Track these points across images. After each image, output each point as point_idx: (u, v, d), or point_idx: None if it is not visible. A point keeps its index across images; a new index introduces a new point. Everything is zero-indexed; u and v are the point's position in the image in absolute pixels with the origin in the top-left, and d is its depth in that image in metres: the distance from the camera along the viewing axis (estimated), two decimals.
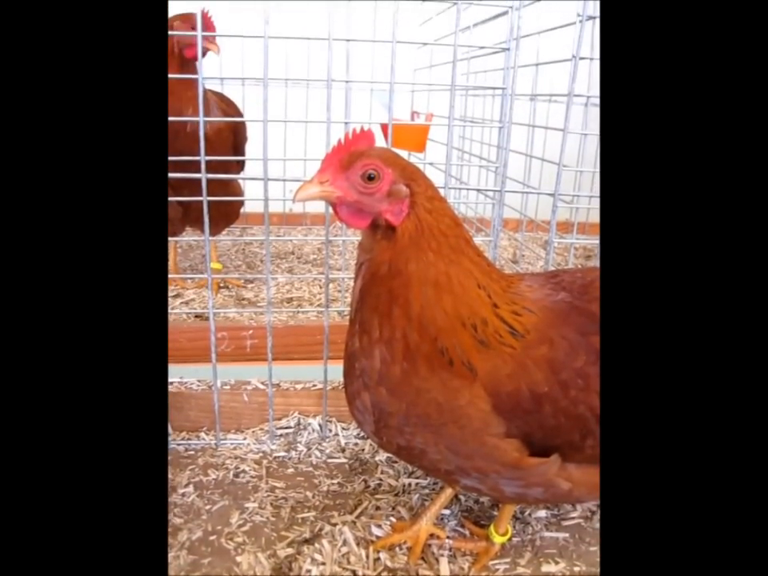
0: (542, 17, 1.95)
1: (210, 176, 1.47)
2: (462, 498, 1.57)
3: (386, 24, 1.62)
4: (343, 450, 1.74)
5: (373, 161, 1.02)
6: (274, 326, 1.97)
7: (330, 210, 1.11)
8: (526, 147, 2.52)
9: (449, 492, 1.44)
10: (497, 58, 2.11)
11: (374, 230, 1.06)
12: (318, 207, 1.58)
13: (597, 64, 1.54)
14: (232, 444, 1.76)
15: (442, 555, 1.37)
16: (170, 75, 1.23)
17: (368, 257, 1.07)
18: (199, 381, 1.90)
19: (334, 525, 1.44)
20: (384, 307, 1.05)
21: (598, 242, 1.69)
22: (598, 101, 1.44)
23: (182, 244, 3.22)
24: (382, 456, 1.70)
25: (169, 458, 1.64)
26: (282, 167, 3.23)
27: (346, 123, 1.49)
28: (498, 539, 1.36)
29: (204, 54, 1.90)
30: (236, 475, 1.62)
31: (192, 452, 1.71)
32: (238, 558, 1.35)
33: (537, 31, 1.93)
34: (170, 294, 2.55)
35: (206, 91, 2.29)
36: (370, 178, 1.03)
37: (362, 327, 1.09)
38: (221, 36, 1.46)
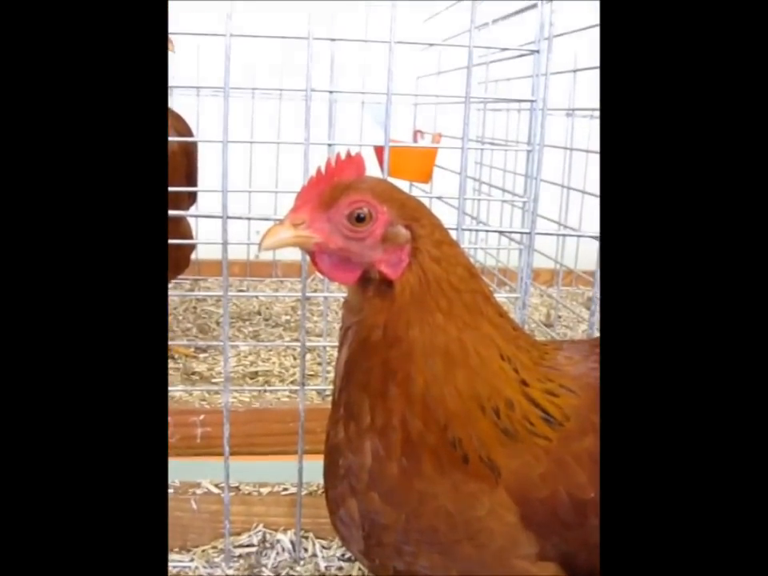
0: (580, 11, 1.97)
1: None
2: None
3: (382, 20, 1.64)
4: None
5: (363, 196, 1.04)
6: (233, 409, 1.97)
7: (308, 258, 1.12)
8: (562, 176, 2.53)
9: None
10: (523, 62, 2.11)
11: (365, 284, 1.08)
12: (293, 254, 1.57)
13: None
14: (175, 568, 1.72)
15: None
16: None
17: (356, 319, 1.08)
18: None
19: None
20: (377, 385, 1.06)
21: None
22: None
23: None
24: None
25: None
26: (245, 201, 3.25)
27: (329, 146, 1.52)
28: None
29: None
30: None
31: None
32: None
33: (574, 29, 1.96)
34: None
35: None
36: (360, 219, 1.04)
37: (348, 412, 1.09)
38: (172, 34, 1.49)
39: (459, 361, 1.05)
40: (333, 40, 1.45)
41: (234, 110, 1.52)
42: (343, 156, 1.07)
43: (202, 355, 2.77)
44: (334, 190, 1.05)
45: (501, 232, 2.05)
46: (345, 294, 1.15)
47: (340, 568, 1.71)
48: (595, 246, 1.66)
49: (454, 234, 1.22)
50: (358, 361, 1.08)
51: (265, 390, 2.42)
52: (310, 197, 1.05)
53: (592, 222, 1.70)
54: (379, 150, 1.54)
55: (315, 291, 3.31)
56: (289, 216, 1.05)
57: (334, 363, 1.16)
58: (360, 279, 1.08)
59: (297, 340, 2.87)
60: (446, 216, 1.26)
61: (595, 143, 2.16)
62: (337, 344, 1.15)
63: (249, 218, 1.58)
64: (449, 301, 1.06)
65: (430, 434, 1.05)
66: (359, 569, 1.70)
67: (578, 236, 1.72)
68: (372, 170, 1.14)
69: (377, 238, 1.05)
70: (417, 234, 1.06)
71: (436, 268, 1.06)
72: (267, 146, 3.42)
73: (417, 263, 1.06)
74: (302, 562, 1.74)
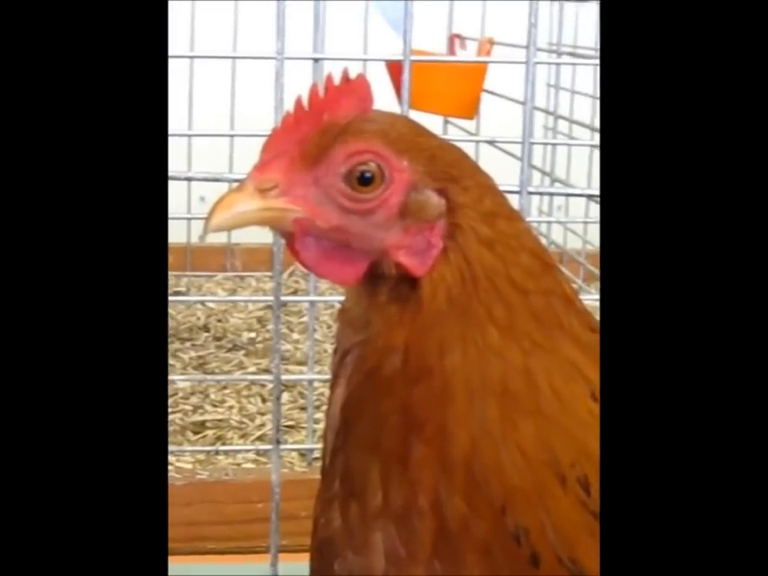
0: None
1: None
2: None
3: None
4: None
5: (369, 144, 1.03)
6: (169, 482, 1.91)
7: (282, 243, 1.14)
8: None
9: None
10: None
11: (374, 284, 1.07)
12: (259, 235, 1.49)
13: None
14: None
15: None
16: None
17: (360, 339, 1.07)
18: None
19: None
20: (393, 444, 1.04)
21: None
22: None
23: None
24: None
25: None
26: (182, 151, 3.09)
27: (314, 62, 1.50)
28: None
29: None
30: None
31: None
32: None
33: None
34: None
35: None
36: (365, 181, 1.03)
37: (347, 486, 1.08)
38: None
39: (525, 404, 1.03)
40: None
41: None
42: (337, 80, 1.06)
43: None
44: (324, 136, 1.03)
45: (590, 196, 1.97)
46: (341, 299, 1.16)
47: None
48: None
49: (515, 202, 1.23)
50: (364, 404, 1.06)
51: (217, 452, 2.34)
52: (285, 146, 1.04)
53: None
54: (395, 68, 1.60)
55: (295, 293, 3.26)
56: (253, 176, 1.03)
57: (324, 408, 1.19)
58: (366, 276, 1.06)
59: (266, 371, 2.76)
60: (502, 172, 1.20)
61: None
62: (329, 378, 1.13)
63: (188, 179, 1.57)
64: (508, 308, 1.04)
65: (479, 522, 1.02)
66: None
67: None
68: (383, 101, 1.13)
69: (392, 211, 1.04)
70: (456, 203, 1.04)
71: (487, 256, 1.04)
72: (216, 64, 3.29)
73: (457, 249, 1.04)
74: None
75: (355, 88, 1.06)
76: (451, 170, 1.05)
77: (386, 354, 1.04)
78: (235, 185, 1.05)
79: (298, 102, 1.05)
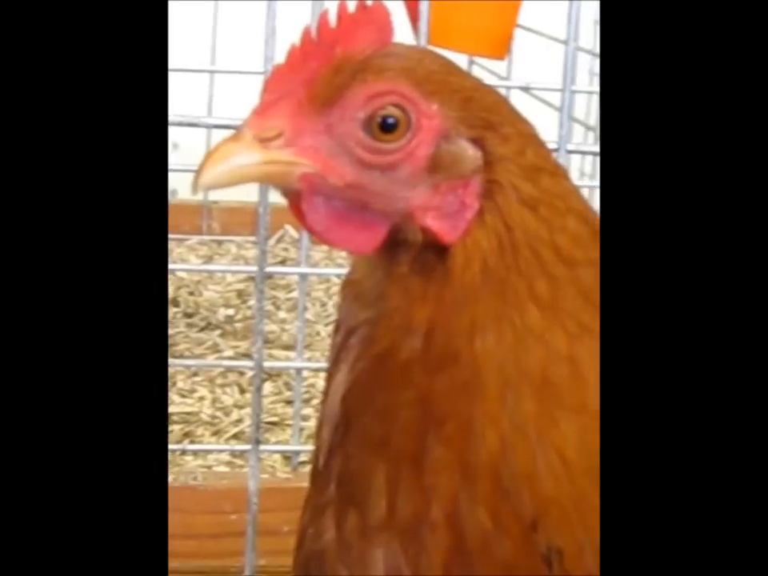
0: None
1: None
2: None
3: None
4: None
5: (392, 84, 0.99)
6: None
7: (280, 201, 1.06)
8: None
9: None
10: None
11: (394, 253, 1.04)
12: (240, 192, 1.43)
13: None
14: None
15: None
16: None
17: (370, 315, 1.04)
18: None
19: None
20: (405, 442, 1.01)
21: None
22: None
23: None
24: None
25: None
26: None
27: None
28: None
29: None
30: None
31: None
32: None
33: None
34: None
35: None
36: (388, 128, 0.99)
37: (344, 492, 1.05)
38: None
39: (568, 398, 0.99)
40: None
41: None
42: (352, 6, 1.02)
43: None
44: (338, 74, 0.99)
45: None
46: (339, 271, 1.17)
47: None
48: None
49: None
50: (371, 395, 1.03)
51: (184, 452, 2.26)
52: (290, 86, 0.99)
53: None
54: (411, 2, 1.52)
55: (283, 263, 3.11)
56: (251, 122, 0.99)
57: (314, 402, 1.19)
58: (385, 245, 1.02)
59: (246, 356, 2.65)
60: (537, 126, 1.12)
61: None
62: (325, 365, 1.11)
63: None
64: (553, 283, 0.99)
65: (504, 539, 0.99)
66: None
67: None
68: (403, 33, 1.14)
69: (419, 165, 0.99)
70: (495, 156, 1.00)
71: (530, 219, 0.99)
72: None
73: (495, 211, 0.99)
74: None
75: (373, 17, 1.01)
76: (489, 116, 1.01)
77: (403, 334, 1.00)
78: (214, 131, 1.05)
79: (306, 34, 1.00)
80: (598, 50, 2.97)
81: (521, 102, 1.65)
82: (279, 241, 3.26)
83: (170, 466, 2.10)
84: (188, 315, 2.97)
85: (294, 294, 2.75)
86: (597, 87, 2.96)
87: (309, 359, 2.30)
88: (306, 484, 1.12)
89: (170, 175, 1.06)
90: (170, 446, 2.04)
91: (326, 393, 1.09)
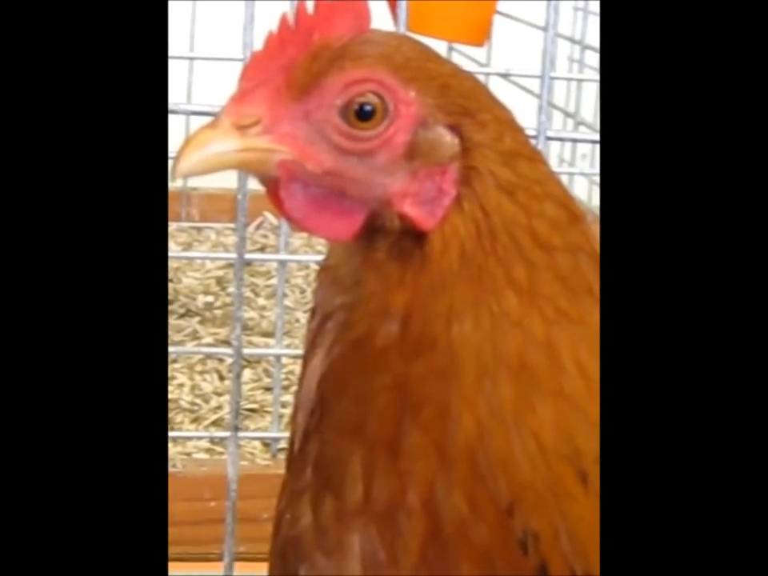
0: None
1: None
2: None
3: None
4: None
5: (370, 71, 1.00)
6: None
7: (259, 187, 1.06)
8: None
9: None
10: None
11: (371, 239, 1.04)
12: (220, 179, 1.49)
13: None
14: None
15: None
16: None
17: (347, 300, 1.05)
18: None
19: None
20: (381, 427, 1.01)
21: None
22: None
23: None
24: None
25: None
26: None
27: None
28: None
29: None
30: None
31: None
32: None
33: None
34: None
35: None
36: (365, 115, 0.99)
37: (320, 476, 1.05)
38: None
39: (545, 383, 0.99)
40: None
41: None
42: None
43: None
44: (315, 61, 0.99)
45: None
46: (319, 258, 1.17)
47: None
48: None
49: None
50: (347, 379, 1.03)
51: None
52: (268, 73, 1.00)
53: None
54: None
55: (263, 250, 3.12)
56: (229, 110, 0.99)
57: (294, 389, 1.18)
58: (363, 231, 1.03)
59: (225, 342, 2.65)
60: (516, 112, 1.13)
61: None
62: (301, 352, 1.10)
63: None
64: (530, 268, 1.00)
65: (480, 524, 0.99)
66: None
67: None
68: (381, 20, 1.13)
69: (397, 152, 1.00)
70: (472, 142, 1.00)
71: (508, 205, 0.99)
72: None
73: (472, 197, 1.00)
74: None
75: (351, 4, 1.02)
76: (466, 103, 1.01)
77: (380, 319, 1.00)
78: (193, 118, 1.05)
79: (284, 21, 1.00)
80: (577, 36, 3.00)
81: (500, 89, 1.66)
82: (258, 228, 3.27)
83: None
84: (168, 302, 3.04)
85: (273, 281, 2.76)
86: (576, 74, 2.97)
87: (288, 346, 2.30)
88: (284, 471, 1.12)
89: None
90: None
91: (301, 377, 1.10)
